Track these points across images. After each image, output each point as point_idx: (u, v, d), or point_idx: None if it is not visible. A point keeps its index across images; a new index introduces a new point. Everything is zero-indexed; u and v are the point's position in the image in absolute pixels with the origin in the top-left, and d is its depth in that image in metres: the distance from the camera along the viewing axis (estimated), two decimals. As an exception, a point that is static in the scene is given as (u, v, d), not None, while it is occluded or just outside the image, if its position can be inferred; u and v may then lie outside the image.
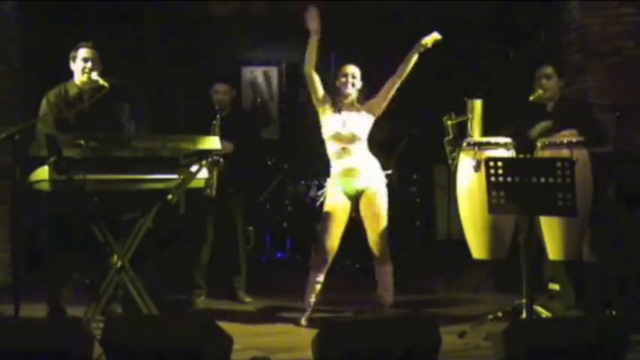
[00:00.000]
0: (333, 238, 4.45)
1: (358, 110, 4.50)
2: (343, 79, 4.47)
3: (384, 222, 4.46)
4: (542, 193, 3.66)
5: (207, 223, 5.20)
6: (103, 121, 4.28)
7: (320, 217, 4.58)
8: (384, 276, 4.55)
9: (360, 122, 4.46)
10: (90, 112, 4.28)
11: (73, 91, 4.39)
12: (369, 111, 4.50)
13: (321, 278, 4.50)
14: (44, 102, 4.35)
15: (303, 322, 4.47)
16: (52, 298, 4.37)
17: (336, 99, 4.51)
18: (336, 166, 4.47)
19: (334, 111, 4.49)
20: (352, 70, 4.50)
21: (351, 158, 4.42)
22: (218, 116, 5.03)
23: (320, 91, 4.53)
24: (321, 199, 4.60)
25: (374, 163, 4.50)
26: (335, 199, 4.46)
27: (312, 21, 4.39)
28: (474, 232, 4.24)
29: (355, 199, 4.48)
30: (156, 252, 6.34)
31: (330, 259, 4.48)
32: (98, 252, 4.20)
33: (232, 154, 4.89)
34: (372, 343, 3.09)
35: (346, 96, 4.47)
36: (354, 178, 4.43)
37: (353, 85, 4.48)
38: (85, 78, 4.33)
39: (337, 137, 4.44)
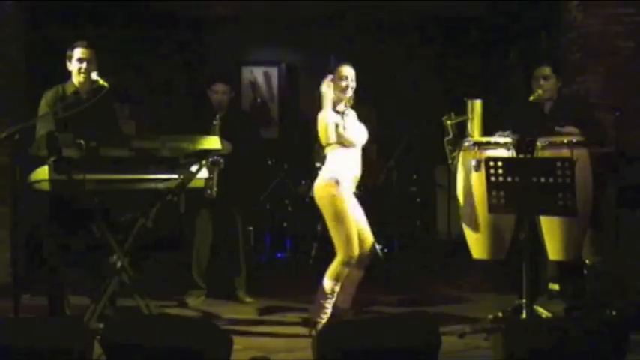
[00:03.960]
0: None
1: (349, 114, 4.35)
2: (344, 83, 4.25)
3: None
4: (542, 193, 3.67)
5: (207, 223, 5.21)
6: (101, 122, 4.27)
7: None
8: (345, 278, 4.31)
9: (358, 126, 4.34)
10: (88, 113, 4.26)
11: (70, 91, 4.37)
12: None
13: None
14: (43, 102, 4.34)
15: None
16: (54, 297, 4.37)
17: (336, 103, 4.29)
18: (347, 171, 4.23)
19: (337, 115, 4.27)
20: (352, 72, 4.29)
21: (357, 163, 4.29)
22: (217, 116, 5.04)
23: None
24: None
25: None
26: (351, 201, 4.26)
27: None
28: (474, 232, 4.24)
29: None
30: (155, 252, 6.34)
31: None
32: (98, 252, 4.20)
33: (231, 154, 4.89)
34: (372, 343, 3.09)
35: (349, 100, 4.31)
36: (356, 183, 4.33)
37: (352, 88, 4.29)
38: (82, 78, 4.31)
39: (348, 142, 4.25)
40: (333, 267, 4.18)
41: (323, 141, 4.26)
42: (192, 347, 3.02)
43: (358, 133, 4.29)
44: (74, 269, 4.63)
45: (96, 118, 4.24)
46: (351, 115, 4.36)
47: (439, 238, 7.39)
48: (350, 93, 4.29)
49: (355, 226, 4.19)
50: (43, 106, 4.32)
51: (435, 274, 6.20)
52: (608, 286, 4.54)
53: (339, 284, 4.21)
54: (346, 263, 4.17)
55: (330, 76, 4.25)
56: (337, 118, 4.23)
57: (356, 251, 4.17)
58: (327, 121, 4.19)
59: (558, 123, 4.29)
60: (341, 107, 4.30)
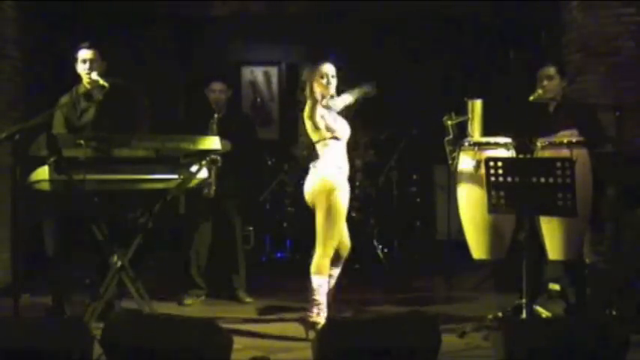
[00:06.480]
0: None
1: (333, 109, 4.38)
2: (324, 81, 4.25)
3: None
4: (542, 193, 3.67)
5: (206, 222, 5.20)
6: (119, 120, 4.28)
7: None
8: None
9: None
10: (104, 112, 4.29)
11: (82, 93, 4.42)
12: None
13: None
14: (58, 113, 4.37)
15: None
16: (55, 297, 4.37)
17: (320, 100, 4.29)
18: (341, 164, 4.30)
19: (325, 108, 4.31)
20: (332, 69, 4.29)
21: (345, 157, 4.34)
22: (215, 116, 5.03)
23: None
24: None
25: None
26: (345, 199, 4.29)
27: None
28: (474, 232, 4.24)
29: None
30: (156, 252, 6.34)
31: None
32: (98, 252, 4.20)
33: (229, 153, 4.88)
34: (372, 343, 3.09)
35: (332, 96, 4.31)
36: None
37: (333, 84, 4.29)
38: (88, 79, 4.34)
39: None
40: (315, 262, 4.21)
41: (313, 137, 4.29)
42: (192, 347, 3.02)
43: (342, 125, 4.31)
44: (74, 269, 4.63)
45: (109, 118, 4.26)
46: (334, 110, 4.37)
47: (439, 238, 7.38)
48: (332, 89, 4.30)
49: (343, 226, 4.23)
50: (58, 115, 4.35)
51: (434, 274, 6.20)
52: (608, 286, 4.53)
53: (325, 277, 4.21)
54: (326, 256, 4.20)
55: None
56: (323, 111, 4.25)
57: (332, 251, 4.21)
58: (314, 116, 4.20)
59: (561, 124, 4.28)
60: (325, 102, 4.31)
